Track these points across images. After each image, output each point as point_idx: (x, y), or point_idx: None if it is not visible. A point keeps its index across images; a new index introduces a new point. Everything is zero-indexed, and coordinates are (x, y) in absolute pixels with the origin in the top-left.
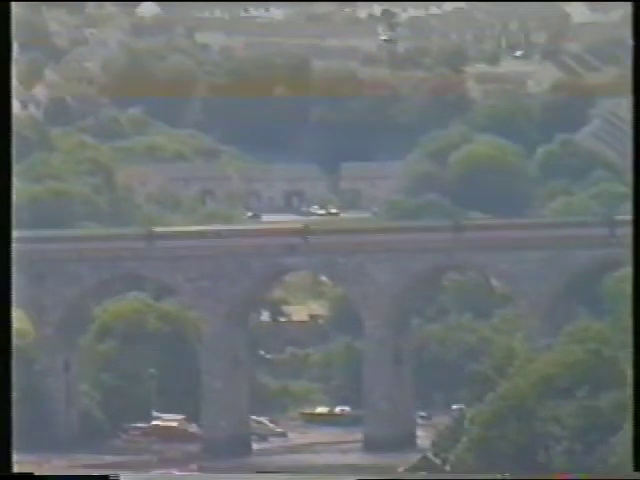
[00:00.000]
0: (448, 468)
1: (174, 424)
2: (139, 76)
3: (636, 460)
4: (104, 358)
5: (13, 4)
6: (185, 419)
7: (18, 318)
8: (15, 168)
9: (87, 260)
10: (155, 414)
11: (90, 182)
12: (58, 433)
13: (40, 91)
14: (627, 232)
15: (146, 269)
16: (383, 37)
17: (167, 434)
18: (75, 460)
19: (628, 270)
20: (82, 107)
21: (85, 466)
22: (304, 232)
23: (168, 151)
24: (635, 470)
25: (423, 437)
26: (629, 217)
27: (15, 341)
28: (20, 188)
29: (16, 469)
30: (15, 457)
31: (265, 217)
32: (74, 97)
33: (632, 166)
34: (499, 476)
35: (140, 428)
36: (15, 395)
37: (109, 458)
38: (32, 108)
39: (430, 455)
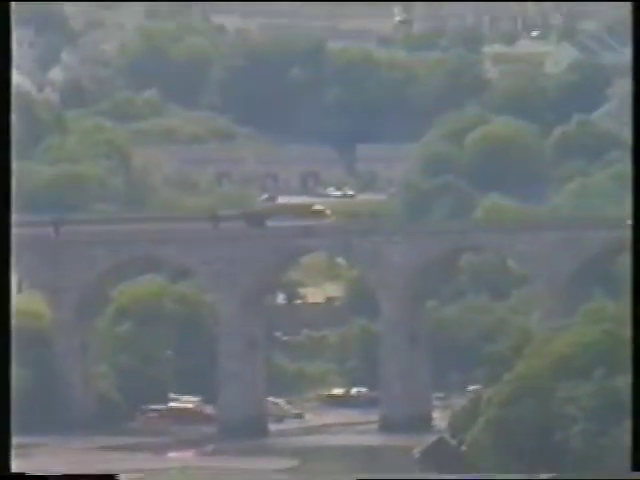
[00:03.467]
0: (464, 448)
1: (191, 406)
2: (155, 58)
3: (636, 460)
4: (121, 340)
5: None
6: (201, 401)
7: (35, 300)
8: (31, 151)
9: (103, 242)
10: (172, 396)
11: (106, 165)
12: (75, 415)
13: (56, 74)
14: None
15: (162, 251)
16: (398, 18)
17: (184, 416)
18: (92, 441)
19: None
20: (98, 90)
21: (102, 447)
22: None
23: (184, 133)
24: (635, 470)
25: (439, 418)
26: None
27: (32, 323)
28: (36, 171)
29: (33, 452)
30: (33, 439)
31: (281, 199)
32: (90, 80)
33: (632, 166)
34: (499, 476)
35: (157, 410)
36: (33, 377)
37: (126, 439)
38: (48, 91)
39: (446, 436)
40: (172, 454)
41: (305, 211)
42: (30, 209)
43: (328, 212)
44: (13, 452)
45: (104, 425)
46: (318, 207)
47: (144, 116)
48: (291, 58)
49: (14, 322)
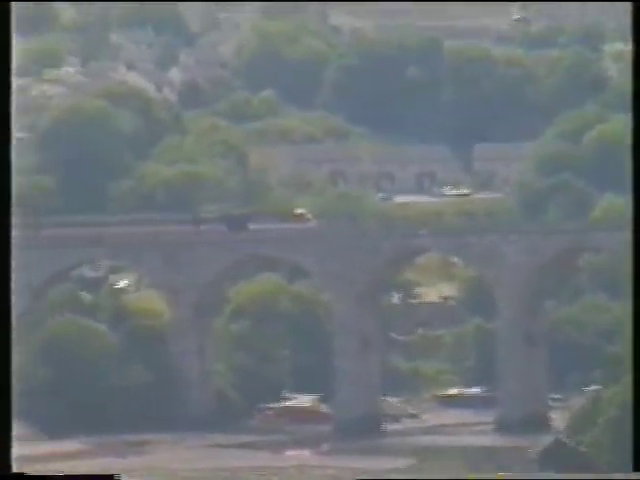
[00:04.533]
0: (584, 449)
1: (307, 404)
2: (271, 59)
3: (636, 460)
4: (238, 339)
5: None
6: (317, 400)
7: (153, 299)
8: (150, 151)
9: (220, 242)
10: (287, 394)
11: (223, 164)
12: (192, 412)
13: (174, 74)
14: None
15: (279, 251)
16: (516, 16)
17: (300, 414)
18: (209, 439)
19: None
20: (215, 90)
21: (219, 445)
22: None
23: (299, 133)
24: (635, 470)
25: (557, 419)
26: None
27: (151, 322)
28: (154, 170)
29: (150, 449)
30: (150, 436)
31: (397, 198)
32: (207, 80)
33: (632, 167)
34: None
35: (273, 408)
36: (151, 375)
37: (243, 438)
38: (166, 91)
39: (563, 437)
40: (289, 452)
41: (286, 215)
42: (149, 208)
43: (309, 216)
44: (132, 449)
45: (220, 423)
46: (299, 211)
47: (260, 116)
48: (407, 57)
49: (132, 321)
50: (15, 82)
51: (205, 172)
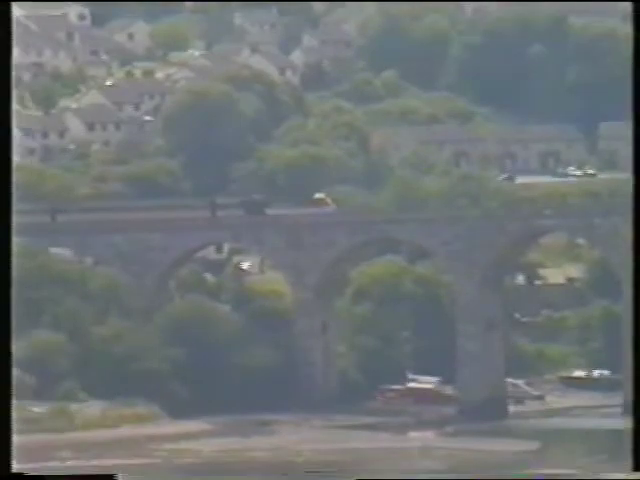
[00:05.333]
0: None
1: (430, 386)
2: (395, 37)
3: (636, 460)
4: (360, 320)
5: None
6: (440, 381)
7: (277, 281)
8: (272, 133)
9: (342, 224)
10: (410, 376)
11: (345, 146)
12: (316, 393)
13: (297, 56)
14: None
15: (400, 232)
16: None
17: (423, 396)
18: (333, 420)
19: None
20: (338, 71)
21: (342, 426)
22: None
23: (421, 114)
24: (635, 470)
25: None
26: None
27: (274, 303)
28: (276, 153)
29: (274, 429)
30: (274, 416)
31: (520, 179)
32: (331, 61)
33: (633, 167)
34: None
35: (396, 390)
36: (274, 356)
37: (366, 419)
38: (289, 73)
39: None
40: (412, 434)
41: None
42: (270, 190)
43: (329, 201)
44: (256, 429)
45: (343, 404)
46: (319, 196)
47: (382, 97)
48: (531, 35)
49: (255, 302)
50: (141, 65)
51: (327, 154)
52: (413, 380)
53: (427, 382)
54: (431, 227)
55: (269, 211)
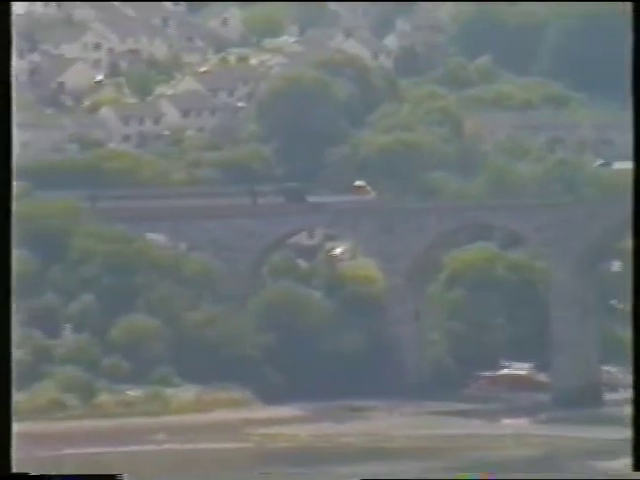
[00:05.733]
0: None
1: (523, 373)
2: (489, 23)
3: (636, 460)
4: (453, 306)
5: None
6: (534, 368)
7: (368, 266)
8: (365, 119)
9: (435, 210)
10: (503, 363)
11: (439, 132)
12: (408, 379)
13: (391, 41)
14: None
15: (494, 218)
16: None
17: (516, 383)
18: (424, 406)
19: None
20: (431, 56)
21: (435, 413)
22: None
23: (516, 99)
24: (635, 470)
25: None
26: None
27: (366, 289)
28: (369, 138)
29: (366, 414)
30: (366, 402)
31: (617, 165)
32: (424, 46)
33: (633, 166)
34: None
35: (489, 377)
36: (366, 342)
37: (458, 405)
38: (383, 58)
39: None
40: (506, 421)
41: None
42: (363, 176)
43: (369, 189)
44: (349, 415)
45: (436, 390)
46: (359, 183)
47: (475, 83)
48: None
49: (347, 288)
50: (235, 52)
51: (421, 140)
52: (506, 367)
53: (520, 369)
54: (525, 213)
55: (310, 198)
